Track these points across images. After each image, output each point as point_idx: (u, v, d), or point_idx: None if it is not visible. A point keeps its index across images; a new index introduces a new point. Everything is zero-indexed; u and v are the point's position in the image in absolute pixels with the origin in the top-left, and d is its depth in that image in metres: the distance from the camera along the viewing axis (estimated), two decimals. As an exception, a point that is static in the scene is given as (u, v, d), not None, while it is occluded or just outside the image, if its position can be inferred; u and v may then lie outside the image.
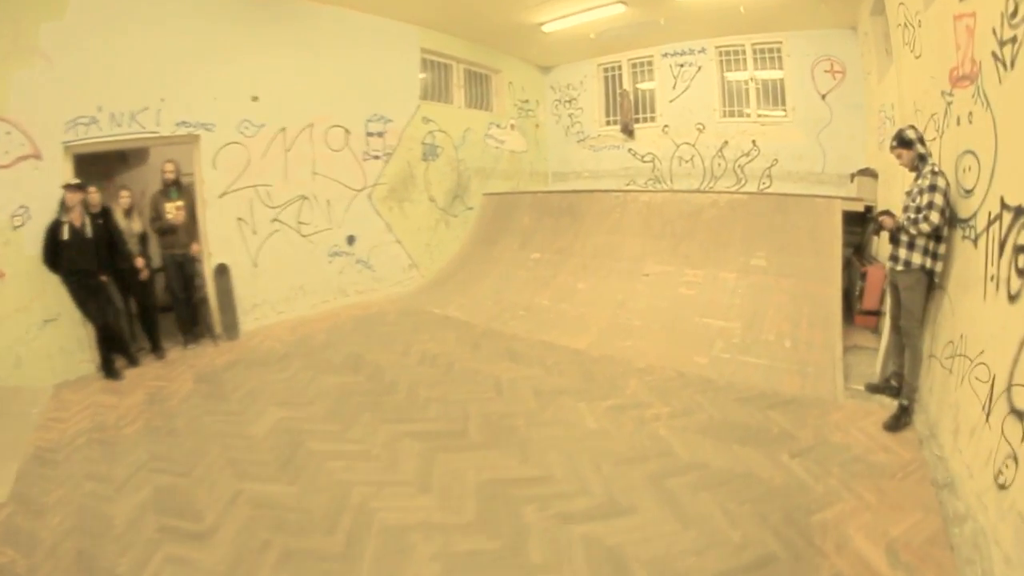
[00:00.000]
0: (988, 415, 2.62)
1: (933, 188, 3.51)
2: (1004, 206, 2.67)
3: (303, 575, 2.60)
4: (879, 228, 4.11)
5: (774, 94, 8.99)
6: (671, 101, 9.62)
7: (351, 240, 7.54)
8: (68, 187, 4.91)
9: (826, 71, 8.29)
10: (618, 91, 10.23)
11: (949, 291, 3.61)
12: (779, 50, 8.80)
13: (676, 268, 6.64)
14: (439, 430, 4.06)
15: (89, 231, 5.02)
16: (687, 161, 9.58)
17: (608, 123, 10.62)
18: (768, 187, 8.79)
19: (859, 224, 6.65)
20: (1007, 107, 2.72)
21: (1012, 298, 2.49)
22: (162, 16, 5.40)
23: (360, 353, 5.74)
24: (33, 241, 4.93)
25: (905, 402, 3.91)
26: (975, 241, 3.12)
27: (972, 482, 2.74)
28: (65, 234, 4.90)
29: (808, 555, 2.63)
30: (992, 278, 2.78)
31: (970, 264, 3.19)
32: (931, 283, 3.77)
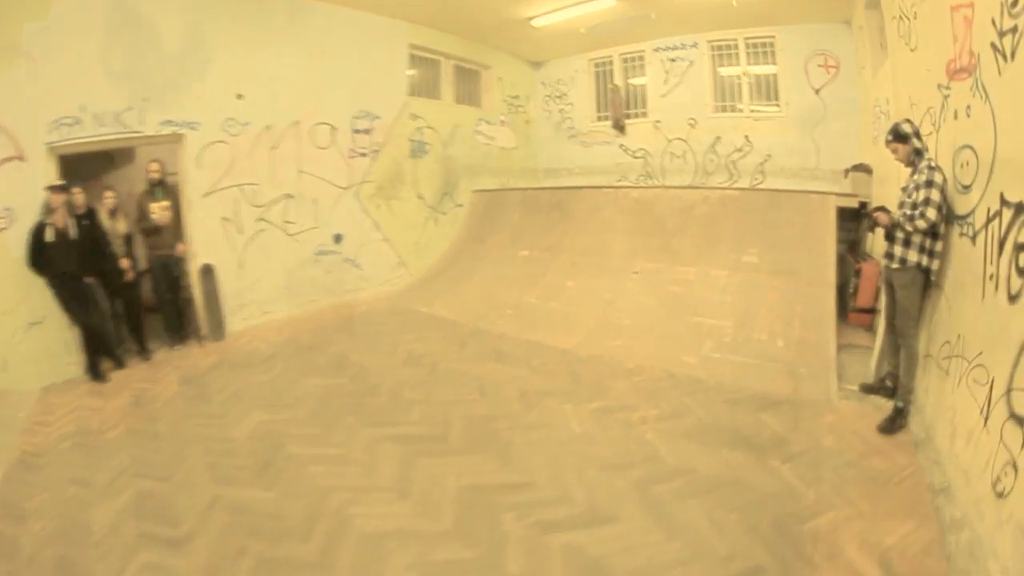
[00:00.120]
0: (986, 419, 2.52)
1: (930, 184, 3.41)
2: (1004, 202, 2.56)
3: (277, 583, 2.47)
4: (874, 224, 4.00)
5: (767, 89, 8.85)
6: (663, 96, 9.51)
7: (338, 239, 7.41)
8: (52, 188, 4.83)
9: (820, 66, 8.19)
10: (609, 87, 10.12)
11: (946, 290, 3.51)
12: (772, 45, 8.68)
13: (667, 265, 6.56)
14: (421, 434, 3.98)
15: (73, 233, 4.93)
16: (679, 157, 9.48)
17: (599, 119, 10.51)
18: (761, 183, 8.68)
19: (853, 220, 6.58)
20: (1007, 100, 2.61)
21: (1012, 298, 2.38)
22: (146, 15, 5.21)
23: (345, 353, 5.65)
24: (18, 243, 4.86)
25: (900, 404, 3.81)
26: (973, 238, 3.02)
27: (969, 489, 2.64)
28: (49, 236, 4.82)
29: (798, 567, 2.53)
30: (991, 277, 2.67)
31: (968, 262, 3.09)
32: (927, 281, 3.66)
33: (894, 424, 3.76)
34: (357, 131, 7.46)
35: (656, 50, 9.14)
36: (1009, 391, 2.31)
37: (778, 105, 8.91)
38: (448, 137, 9.12)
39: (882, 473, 3.29)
